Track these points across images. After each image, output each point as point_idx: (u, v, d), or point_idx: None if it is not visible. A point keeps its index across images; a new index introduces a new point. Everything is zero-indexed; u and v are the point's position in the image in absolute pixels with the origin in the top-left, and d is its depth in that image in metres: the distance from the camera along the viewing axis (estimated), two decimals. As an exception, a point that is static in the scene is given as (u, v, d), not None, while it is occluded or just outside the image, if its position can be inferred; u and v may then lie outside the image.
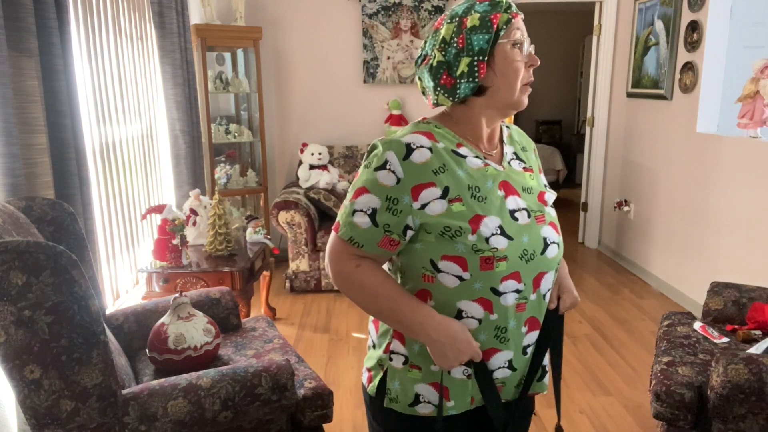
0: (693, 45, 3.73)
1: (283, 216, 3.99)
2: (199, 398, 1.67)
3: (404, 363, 1.17)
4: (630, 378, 2.96)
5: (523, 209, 1.15)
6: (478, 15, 1.09)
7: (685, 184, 3.89)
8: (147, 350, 2.05)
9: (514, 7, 1.12)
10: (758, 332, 2.28)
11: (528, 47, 1.13)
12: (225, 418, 1.70)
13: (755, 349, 2.11)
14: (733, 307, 2.45)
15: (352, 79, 4.81)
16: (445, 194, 1.09)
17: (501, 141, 1.23)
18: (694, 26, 3.72)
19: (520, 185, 1.17)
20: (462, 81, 1.11)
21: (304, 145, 4.42)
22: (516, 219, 1.12)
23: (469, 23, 1.10)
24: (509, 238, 1.10)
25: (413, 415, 1.17)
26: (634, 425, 2.56)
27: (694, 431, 1.98)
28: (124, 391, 1.64)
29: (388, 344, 1.19)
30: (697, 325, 2.39)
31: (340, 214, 1.14)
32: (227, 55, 4.59)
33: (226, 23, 4.37)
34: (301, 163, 4.48)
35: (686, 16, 3.83)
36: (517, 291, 1.12)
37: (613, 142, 4.99)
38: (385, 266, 1.20)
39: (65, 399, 1.52)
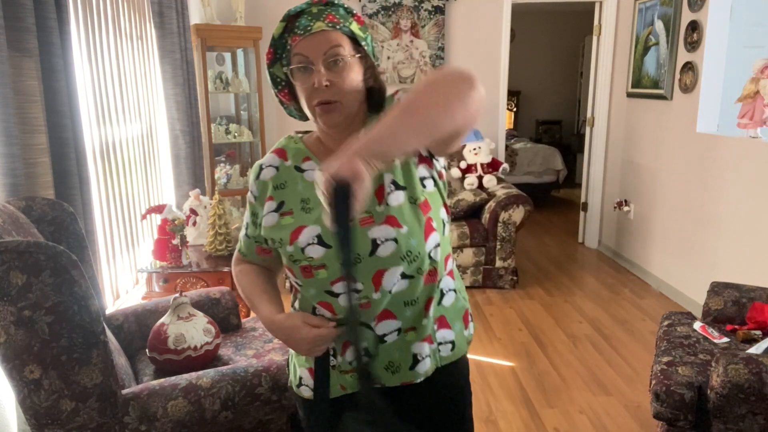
0: (693, 45, 3.73)
1: (283, 216, 3.99)
2: (199, 398, 1.67)
3: None
4: (630, 378, 2.96)
5: None
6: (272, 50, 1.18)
7: (685, 184, 3.89)
8: (147, 350, 2.05)
9: (299, 29, 1.11)
10: (758, 332, 2.28)
11: (317, 67, 1.09)
12: (225, 418, 1.70)
13: (755, 349, 2.11)
14: (733, 307, 2.45)
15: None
16: (279, 208, 1.19)
17: None
18: (694, 26, 3.72)
19: None
20: (283, 107, 1.26)
21: (304, 145, 4.42)
22: None
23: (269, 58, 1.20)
24: (327, 246, 1.13)
25: (301, 397, 1.28)
26: (634, 425, 2.56)
27: (694, 431, 1.98)
28: (124, 391, 1.64)
29: None
30: (697, 325, 2.39)
31: None
32: (227, 55, 4.59)
33: (226, 23, 4.37)
34: (301, 163, 4.47)
35: (686, 16, 3.83)
36: (355, 291, 1.13)
37: (613, 142, 4.99)
38: None
39: (65, 399, 1.52)
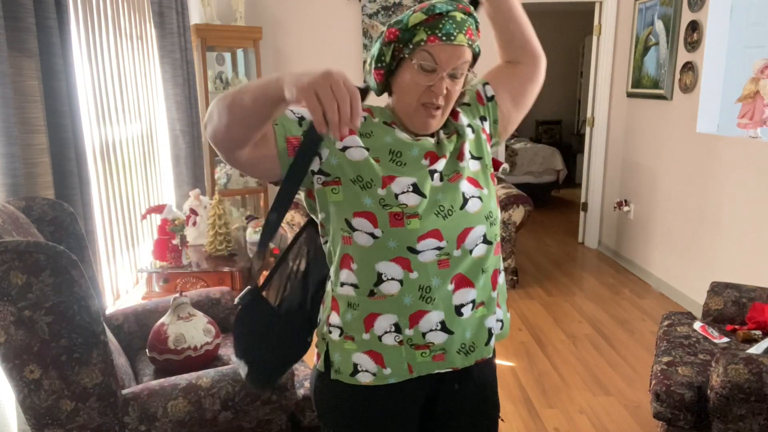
0: (693, 45, 3.73)
1: (283, 216, 3.99)
2: (199, 398, 1.67)
3: (340, 335, 1.19)
4: (630, 378, 2.96)
5: (439, 172, 1.16)
6: (387, 26, 1.17)
7: (685, 184, 3.89)
8: (147, 350, 2.05)
9: (441, 32, 1.10)
10: (758, 332, 2.28)
11: (443, 74, 1.12)
12: (225, 418, 1.70)
13: (755, 349, 2.11)
14: (733, 307, 2.45)
15: (352, 79, 4.79)
16: (367, 150, 1.15)
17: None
18: (694, 26, 3.72)
19: (448, 150, 1.19)
20: (367, 76, 1.22)
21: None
22: (433, 179, 1.15)
23: (389, 38, 1.16)
24: (422, 195, 1.12)
25: (357, 385, 1.19)
26: (634, 425, 2.56)
27: (694, 431, 1.98)
28: (124, 391, 1.64)
29: (328, 317, 1.22)
30: (697, 325, 2.39)
31: None
32: (227, 55, 4.59)
33: (226, 23, 4.36)
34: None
35: (686, 16, 3.83)
36: (438, 248, 1.12)
37: (613, 142, 4.99)
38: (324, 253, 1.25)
39: (65, 399, 1.52)
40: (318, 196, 1.16)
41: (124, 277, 2.93)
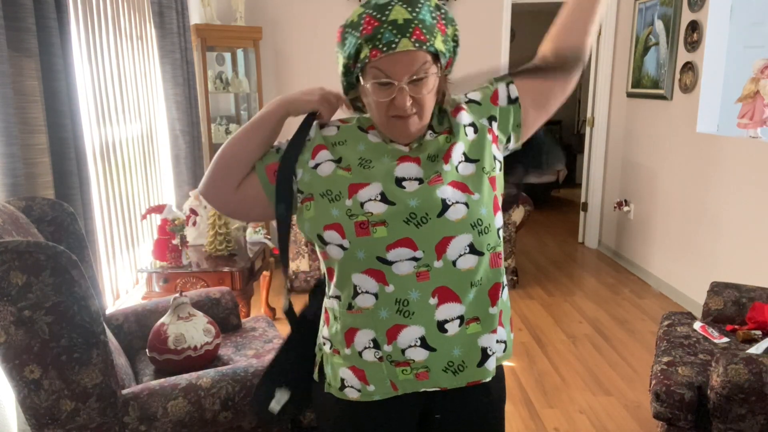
0: (693, 45, 3.73)
1: (283, 216, 3.98)
2: (199, 398, 1.67)
3: (330, 348, 1.18)
4: (630, 378, 2.96)
5: (416, 179, 1.09)
6: (341, 31, 1.13)
7: (685, 184, 3.89)
8: (147, 350, 2.05)
9: (381, 44, 1.03)
10: (758, 332, 2.28)
11: (401, 85, 1.04)
12: (225, 418, 1.70)
13: (755, 349, 2.11)
14: (733, 307, 2.45)
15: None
16: (337, 162, 1.13)
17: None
18: (694, 26, 3.72)
19: (426, 154, 1.12)
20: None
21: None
22: (403, 187, 1.08)
23: (337, 39, 1.14)
24: (390, 203, 1.07)
25: (345, 399, 1.17)
26: (634, 425, 2.56)
27: (694, 431, 1.98)
28: (124, 391, 1.64)
29: (321, 329, 1.22)
30: (697, 325, 2.39)
31: None
32: (227, 55, 4.59)
33: (226, 23, 4.37)
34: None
35: (686, 16, 3.83)
36: (414, 258, 1.06)
37: (613, 142, 4.99)
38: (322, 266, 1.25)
39: (65, 399, 1.52)
40: (297, 215, 1.16)
41: (124, 277, 2.93)
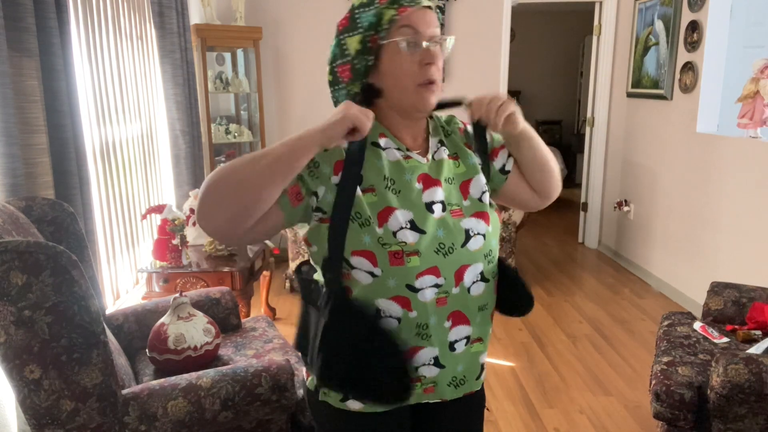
0: (693, 45, 3.73)
1: (283, 216, 3.98)
2: (199, 398, 1.67)
3: None
4: (630, 378, 2.96)
5: (440, 202, 1.12)
6: (349, 15, 1.11)
7: (685, 184, 3.89)
8: (147, 350, 2.05)
9: (406, 0, 1.07)
10: (758, 332, 2.28)
11: (427, 44, 1.07)
12: (225, 418, 1.70)
13: (755, 349, 2.11)
14: (733, 307, 2.45)
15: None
16: (360, 181, 1.09)
17: (428, 133, 1.20)
18: (694, 26, 3.72)
19: (443, 176, 1.15)
20: (331, 89, 1.17)
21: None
22: (432, 212, 1.11)
23: (344, 24, 1.13)
24: (421, 231, 1.08)
25: (345, 410, 1.17)
26: (634, 425, 2.56)
27: (694, 431, 1.98)
28: (124, 391, 1.64)
29: None
30: (697, 325, 2.39)
31: None
32: (227, 55, 4.59)
33: (226, 23, 4.37)
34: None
35: (686, 16, 3.83)
36: (437, 285, 1.09)
37: (613, 142, 4.99)
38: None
39: (65, 399, 1.52)
40: (310, 233, 1.12)
41: (124, 277, 2.93)
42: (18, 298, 1.42)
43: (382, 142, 1.14)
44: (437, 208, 1.11)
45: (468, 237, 1.12)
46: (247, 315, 3.01)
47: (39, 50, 2.04)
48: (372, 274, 1.06)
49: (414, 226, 1.08)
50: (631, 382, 2.92)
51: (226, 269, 2.90)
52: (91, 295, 1.50)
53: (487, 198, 1.18)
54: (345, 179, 1.07)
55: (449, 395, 1.18)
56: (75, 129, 2.26)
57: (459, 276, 1.11)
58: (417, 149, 1.17)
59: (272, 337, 2.33)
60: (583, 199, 5.36)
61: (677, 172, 3.98)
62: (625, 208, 4.72)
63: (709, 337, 2.31)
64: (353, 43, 1.09)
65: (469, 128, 1.25)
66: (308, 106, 4.82)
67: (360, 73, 1.11)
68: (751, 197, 3.22)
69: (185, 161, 3.64)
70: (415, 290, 1.07)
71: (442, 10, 4.70)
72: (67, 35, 2.21)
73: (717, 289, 2.52)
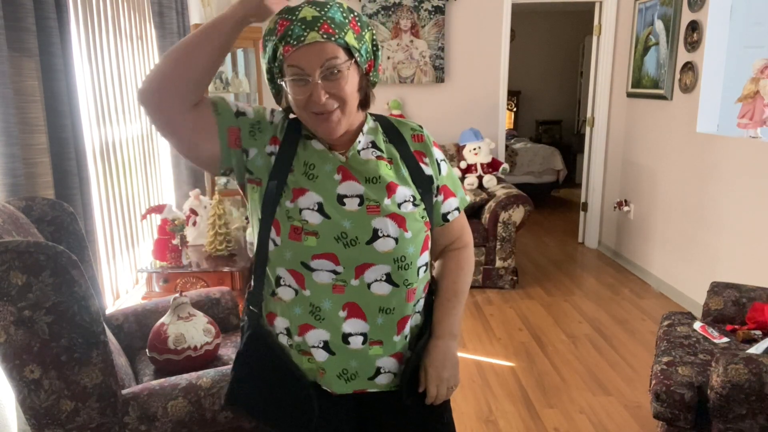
0: (693, 45, 3.73)
1: (283, 216, 3.98)
2: (199, 398, 1.67)
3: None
4: (630, 378, 2.96)
5: (357, 196, 1.14)
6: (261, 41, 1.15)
7: (685, 184, 3.89)
8: (147, 350, 2.05)
9: (291, 39, 1.06)
10: (758, 332, 2.28)
11: (315, 80, 1.07)
12: (225, 418, 1.70)
13: (755, 349, 2.11)
14: (733, 307, 2.45)
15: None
16: (289, 167, 1.16)
17: (360, 130, 1.21)
18: (694, 26, 3.72)
19: (363, 174, 1.16)
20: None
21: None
22: (343, 204, 1.14)
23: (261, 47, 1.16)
24: (326, 216, 1.13)
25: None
26: (634, 425, 2.56)
27: (694, 431, 1.98)
28: (124, 391, 1.64)
29: None
30: (697, 325, 2.39)
31: None
32: (227, 55, 4.59)
33: (226, 23, 4.36)
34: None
35: (686, 16, 3.83)
36: (334, 272, 1.13)
37: (613, 142, 4.99)
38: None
39: (65, 399, 1.52)
40: (245, 189, 1.21)
41: (124, 277, 2.93)
42: (18, 298, 1.42)
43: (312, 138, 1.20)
44: (352, 201, 1.14)
45: (375, 236, 1.13)
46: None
47: (39, 50, 2.04)
48: (274, 242, 1.14)
49: (321, 209, 1.13)
50: (631, 382, 2.92)
51: (226, 269, 2.90)
52: (91, 295, 1.50)
53: (408, 207, 1.17)
54: (279, 161, 1.16)
55: (337, 388, 1.20)
56: (75, 129, 2.26)
57: (360, 271, 1.14)
58: (339, 145, 1.19)
59: (272, 337, 2.33)
60: (583, 199, 5.36)
61: (677, 172, 3.98)
62: (625, 208, 4.72)
63: (709, 337, 2.31)
64: (264, 67, 1.15)
65: (436, 152, 1.26)
66: (308, 106, 4.81)
67: (275, 95, 1.20)
68: (751, 197, 3.22)
69: (185, 161, 3.64)
70: (310, 269, 1.13)
71: (441, 10, 4.70)
72: (67, 35, 2.21)
73: (717, 289, 2.52)
